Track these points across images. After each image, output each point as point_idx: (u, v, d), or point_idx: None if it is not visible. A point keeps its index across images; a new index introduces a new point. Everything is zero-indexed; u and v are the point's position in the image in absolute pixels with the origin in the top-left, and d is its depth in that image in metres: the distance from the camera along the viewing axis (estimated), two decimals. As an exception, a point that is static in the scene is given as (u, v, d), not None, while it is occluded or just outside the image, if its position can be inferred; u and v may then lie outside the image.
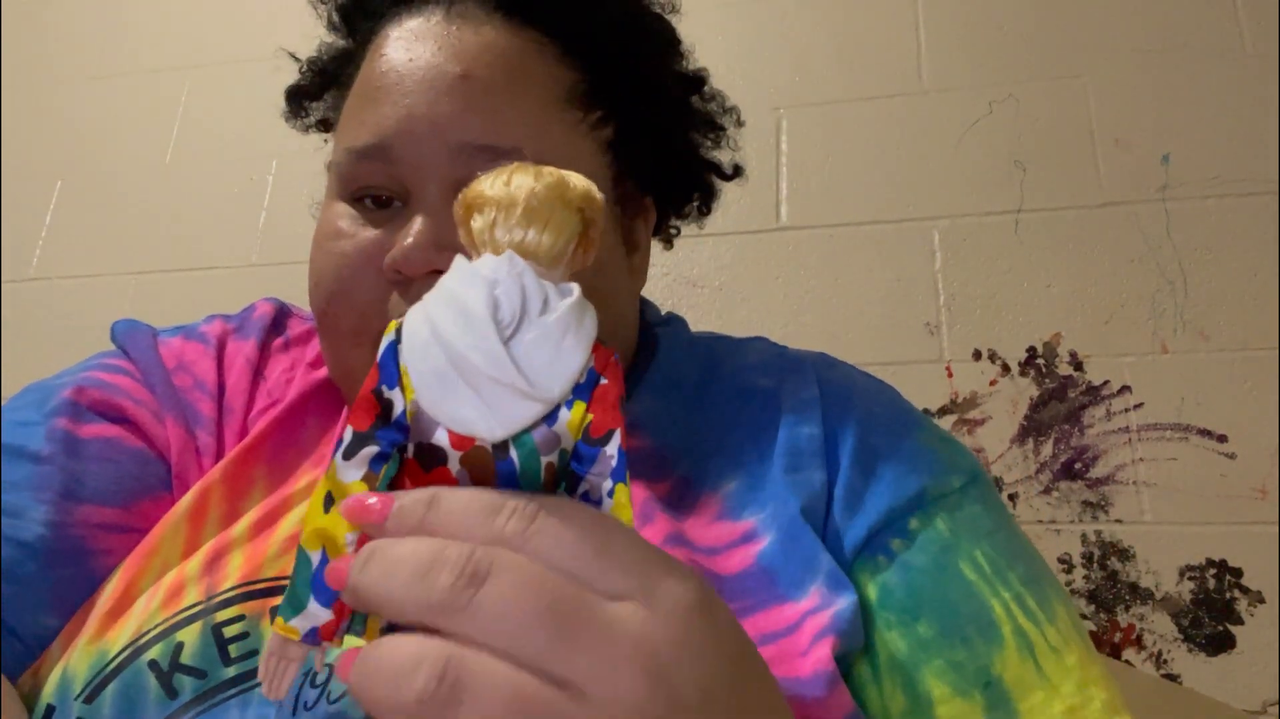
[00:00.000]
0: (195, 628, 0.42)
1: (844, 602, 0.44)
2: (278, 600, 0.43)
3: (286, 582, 0.44)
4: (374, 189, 0.50)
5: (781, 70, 1.53)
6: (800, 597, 0.44)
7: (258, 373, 0.56)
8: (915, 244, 1.40)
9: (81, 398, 0.51)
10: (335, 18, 0.59)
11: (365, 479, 0.27)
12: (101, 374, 0.53)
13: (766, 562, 0.46)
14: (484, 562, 0.25)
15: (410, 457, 0.27)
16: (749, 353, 0.58)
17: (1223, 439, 1.22)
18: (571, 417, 0.27)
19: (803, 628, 0.43)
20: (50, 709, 0.41)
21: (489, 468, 0.26)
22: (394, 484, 0.27)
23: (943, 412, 1.32)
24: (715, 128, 0.63)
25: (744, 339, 0.60)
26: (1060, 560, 1.23)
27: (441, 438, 0.26)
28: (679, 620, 0.26)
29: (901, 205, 1.42)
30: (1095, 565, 1.22)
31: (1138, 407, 1.26)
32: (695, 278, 1.47)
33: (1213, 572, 1.18)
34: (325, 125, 0.63)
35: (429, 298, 0.27)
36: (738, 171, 0.65)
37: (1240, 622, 1.16)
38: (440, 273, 0.48)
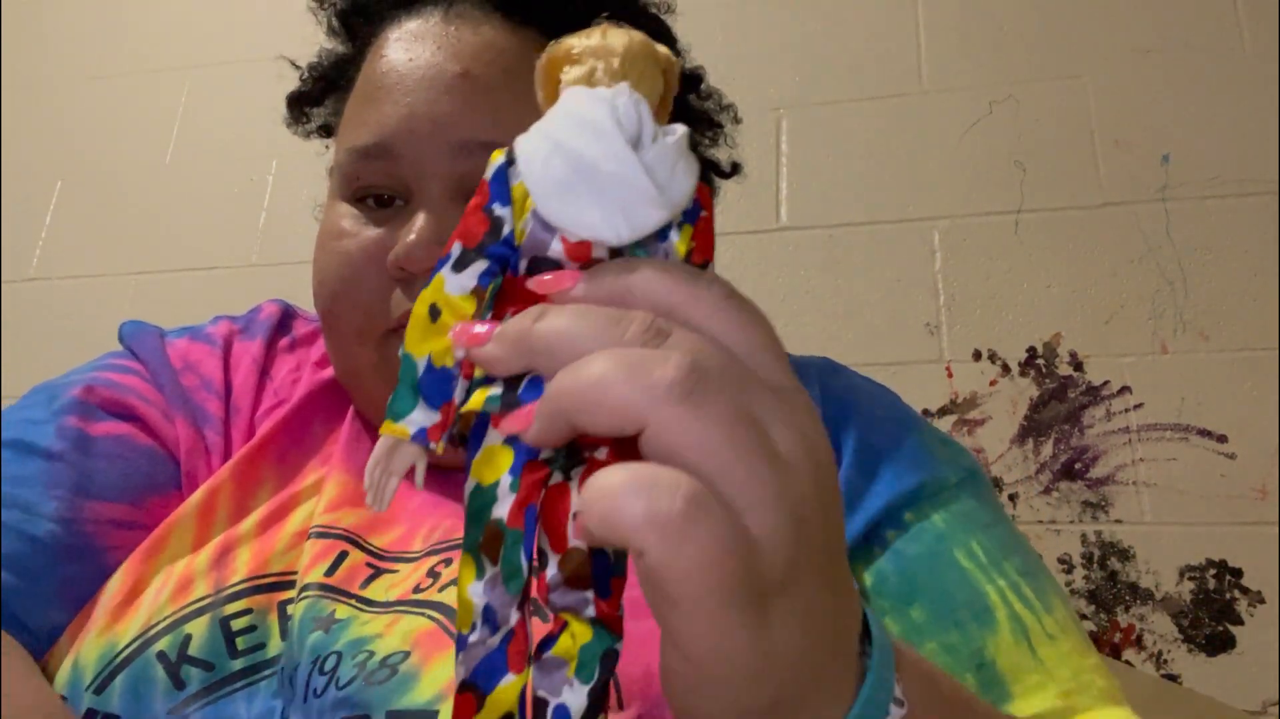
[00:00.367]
0: (203, 620, 0.42)
1: None
2: (285, 594, 0.44)
3: (293, 577, 0.45)
4: (376, 188, 0.51)
5: (781, 70, 1.53)
6: None
7: (264, 373, 0.56)
8: (915, 244, 1.40)
9: (91, 397, 0.51)
10: (335, 23, 0.60)
11: (473, 293, 0.27)
12: (110, 374, 0.54)
13: None
14: (667, 327, 0.24)
15: (519, 274, 0.27)
16: None
17: (1223, 439, 1.23)
18: (680, 237, 0.27)
19: None
20: (61, 700, 0.41)
21: None
22: (497, 302, 0.27)
23: (943, 412, 1.32)
24: (713, 125, 0.63)
25: None
26: (1060, 560, 1.23)
27: (557, 250, 0.27)
28: (820, 424, 0.26)
29: (901, 205, 1.42)
30: (1095, 565, 1.22)
31: (1138, 407, 1.26)
32: (695, 278, 1.47)
33: (1213, 572, 1.18)
34: (326, 131, 0.63)
35: (543, 124, 0.27)
36: (736, 169, 0.65)
37: (1240, 622, 1.16)
38: None
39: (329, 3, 0.60)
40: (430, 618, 0.41)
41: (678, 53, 0.61)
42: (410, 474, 0.27)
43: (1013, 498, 1.27)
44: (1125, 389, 1.28)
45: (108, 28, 1.91)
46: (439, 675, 0.38)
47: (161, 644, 0.41)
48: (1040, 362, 1.31)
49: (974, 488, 0.51)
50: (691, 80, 0.62)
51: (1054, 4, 1.47)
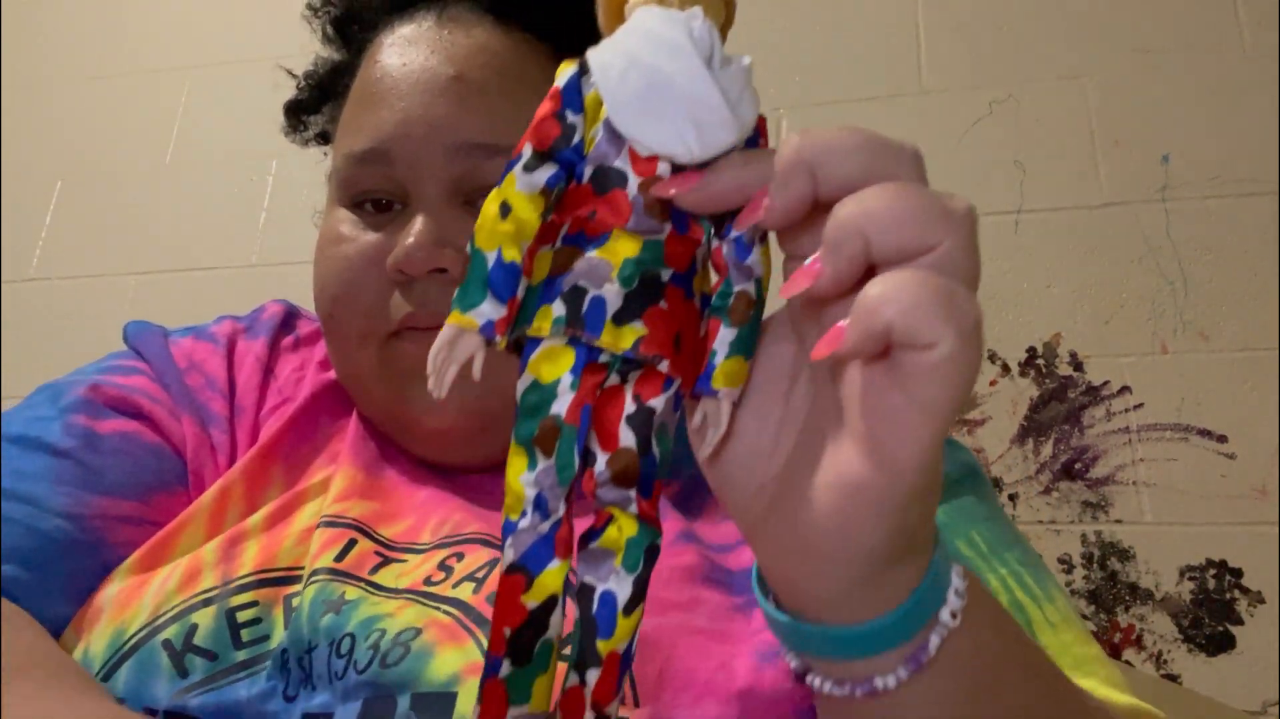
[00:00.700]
0: (210, 611, 0.43)
1: None
2: (291, 589, 0.45)
3: (300, 571, 0.45)
4: (374, 193, 0.52)
5: (781, 70, 1.53)
6: None
7: (268, 371, 0.57)
8: (915, 244, 1.40)
9: (98, 395, 0.52)
10: (330, 31, 0.61)
11: (541, 193, 0.27)
12: (116, 373, 0.54)
13: None
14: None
15: (584, 181, 0.28)
16: None
17: (1223, 439, 1.23)
18: None
19: None
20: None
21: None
22: (560, 207, 0.28)
23: (943, 412, 1.32)
24: None
25: None
26: (1060, 561, 1.23)
27: (624, 162, 0.27)
28: None
29: (901, 205, 1.42)
30: (1095, 566, 1.22)
31: (1138, 407, 1.27)
32: (695, 278, 1.47)
33: (1213, 572, 1.18)
34: (324, 138, 0.63)
35: (617, 39, 0.28)
36: None
37: (1240, 622, 1.16)
38: (442, 270, 0.49)
39: (323, 10, 0.61)
40: (447, 613, 0.42)
41: None
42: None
43: (1013, 498, 1.27)
44: (1125, 389, 1.28)
45: (108, 28, 1.91)
46: (453, 658, 0.39)
47: (168, 633, 0.42)
48: (1040, 362, 1.31)
49: (973, 485, 0.51)
50: None
51: (1054, 4, 1.47)
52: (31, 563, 0.45)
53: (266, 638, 0.42)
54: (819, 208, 0.26)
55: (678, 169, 0.27)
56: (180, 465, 0.52)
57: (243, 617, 0.43)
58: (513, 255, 0.27)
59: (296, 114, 0.64)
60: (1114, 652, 1.18)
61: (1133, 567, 1.20)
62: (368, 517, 0.49)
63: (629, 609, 0.27)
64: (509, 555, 0.27)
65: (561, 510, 0.27)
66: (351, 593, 0.43)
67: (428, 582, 0.44)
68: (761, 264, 0.28)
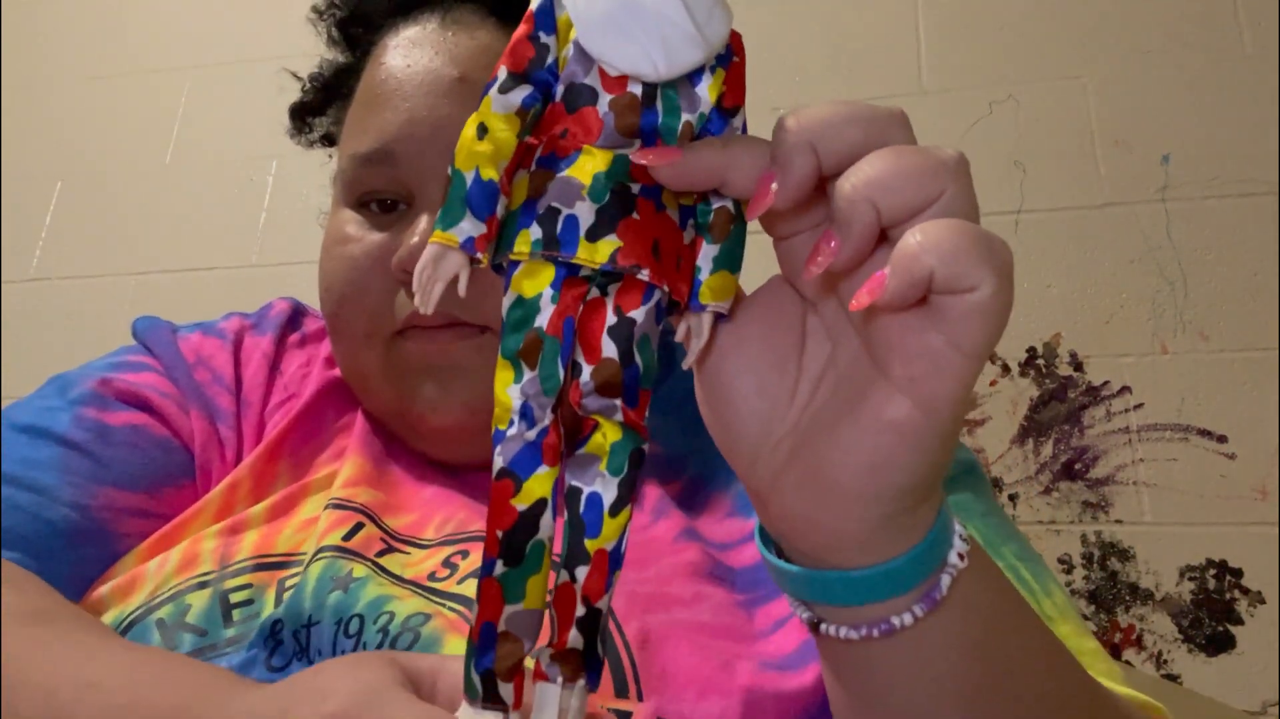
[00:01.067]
0: (205, 593, 0.44)
1: None
2: (285, 573, 0.45)
3: (298, 557, 0.46)
4: (379, 193, 0.52)
5: (781, 70, 1.54)
6: None
7: (274, 367, 0.58)
8: (915, 244, 1.40)
9: (107, 389, 0.52)
10: (335, 33, 0.61)
11: (517, 114, 0.28)
12: (126, 368, 0.55)
13: None
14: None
15: (556, 100, 0.28)
16: None
17: (1223, 439, 1.23)
18: (712, 81, 0.28)
19: None
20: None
21: (635, 114, 0.28)
22: (539, 126, 0.29)
23: (943, 412, 1.32)
24: None
25: None
26: (1060, 561, 1.23)
27: (593, 79, 0.28)
28: None
29: (902, 205, 1.42)
30: (1095, 566, 1.22)
31: (1138, 407, 1.27)
32: (695, 278, 1.47)
33: (1213, 572, 1.18)
34: (329, 140, 0.64)
35: None
36: None
37: (1240, 622, 1.16)
38: None
39: (328, 13, 0.61)
40: (453, 609, 0.42)
41: None
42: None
43: (1013, 498, 1.27)
44: (1125, 389, 1.28)
45: (108, 28, 1.91)
46: (461, 648, 0.39)
47: (162, 613, 0.43)
48: (1040, 362, 1.31)
49: (970, 481, 0.52)
50: None
51: (1054, 4, 1.48)
52: (37, 551, 0.45)
53: (256, 617, 0.43)
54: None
55: (649, 88, 0.28)
56: (188, 459, 0.53)
57: (235, 598, 0.44)
58: (490, 174, 0.27)
59: (302, 116, 0.64)
60: (1114, 652, 1.18)
61: (1133, 567, 1.21)
62: (375, 505, 0.49)
63: (615, 510, 0.28)
64: (498, 462, 0.28)
65: (548, 419, 0.28)
66: (359, 570, 0.43)
67: (431, 577, 0.45)
68: None
